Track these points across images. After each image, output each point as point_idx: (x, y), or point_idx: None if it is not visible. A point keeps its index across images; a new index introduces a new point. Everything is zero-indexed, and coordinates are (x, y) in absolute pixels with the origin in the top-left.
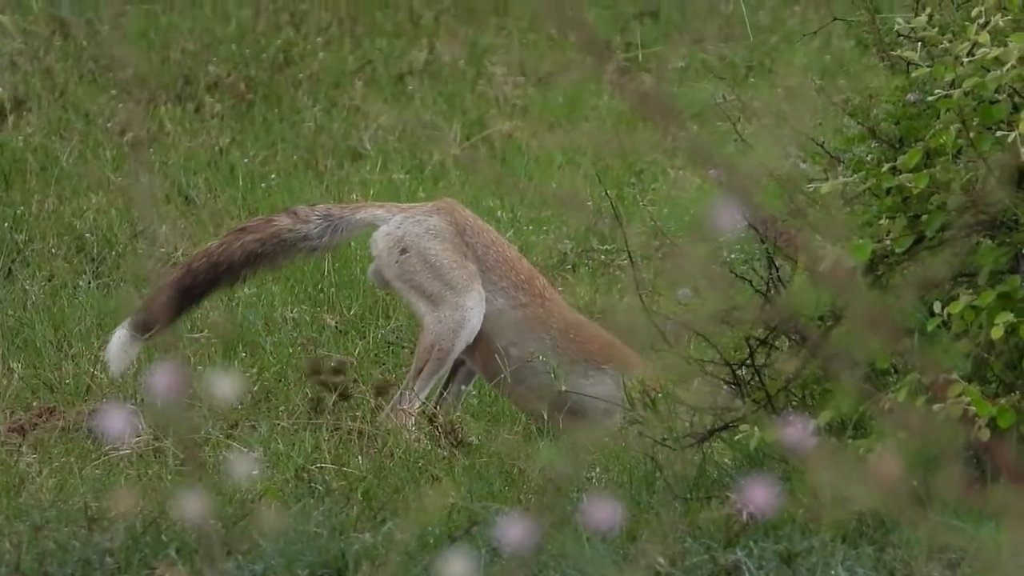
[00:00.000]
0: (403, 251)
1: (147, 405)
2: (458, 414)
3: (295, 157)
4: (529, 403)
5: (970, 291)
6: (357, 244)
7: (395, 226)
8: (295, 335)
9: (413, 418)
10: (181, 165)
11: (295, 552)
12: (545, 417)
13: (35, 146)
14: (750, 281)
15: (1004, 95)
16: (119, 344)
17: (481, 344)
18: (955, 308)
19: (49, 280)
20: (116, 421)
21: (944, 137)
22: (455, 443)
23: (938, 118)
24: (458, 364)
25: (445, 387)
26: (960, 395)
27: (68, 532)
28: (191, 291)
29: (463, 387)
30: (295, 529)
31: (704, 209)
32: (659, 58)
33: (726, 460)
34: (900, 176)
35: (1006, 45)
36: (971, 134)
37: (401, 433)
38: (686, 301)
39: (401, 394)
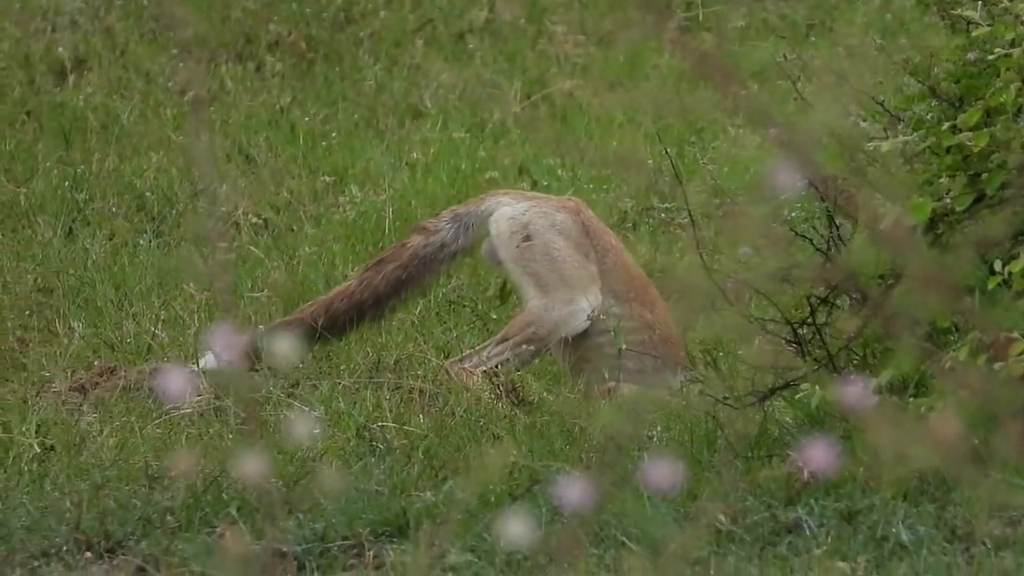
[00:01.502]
0: (526, 238)
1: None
2: (519, 373)
3: (355, 116)
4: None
5: None
6: (417, 203)
7: (521, 211)
8: None
9: (476, 377)
10: (241, 124)
11: (356, 511)
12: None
13: (96, 105)
14: (810, 240)
15: None
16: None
17: (583, 341)
18: (1016, 266)
19: (110, 239)
20: (177, 380)
21: (1004, 95)
22: (516, 402)
23: (998, 76)
24: None
25: None
26: (1020, 354)
27: (129, 491)
28: (330, 330)
29: None
30: (356, 488)
31: (764, 168)
32: (719, 17)
33: (787, 419)
34: (960, 135)
35: None
36: None
37: (461, 392)
38: (746, 260)
39: (473, 352)
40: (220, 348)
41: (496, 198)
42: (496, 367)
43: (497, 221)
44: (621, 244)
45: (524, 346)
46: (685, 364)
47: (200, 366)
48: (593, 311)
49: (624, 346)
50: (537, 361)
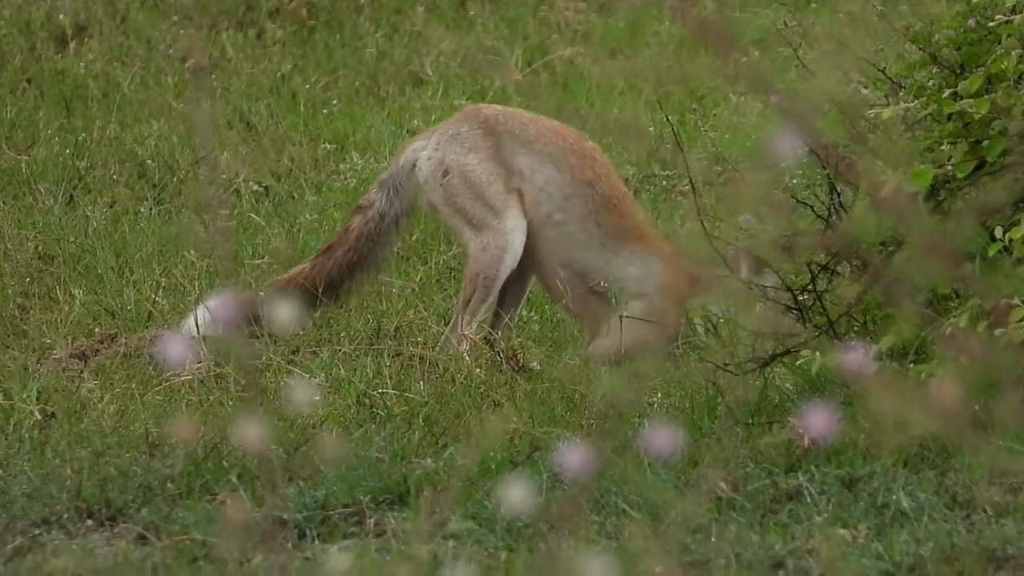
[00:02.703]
0: (445, 172)
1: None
2: (519, 339)
3: (356, 83)
4: (558, 277)
5: None
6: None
7: (433, 148)
8: None
9: (467, 344)
10: (243, 91)
11: (357, 478)
12: (568, 293)
13: (97, 72)
14: (811, 207)
15: None
16: (200, 320)
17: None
18: (1016, 233)
19: (111, 206)
20: (177, 347)
21: (1005, 62)
22: (516, 368)
23: (999, 43)
24: (506, 287)
25: (500, 312)
26: (1021, 320)
27: (129, 458)
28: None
29: (513, 310)
30: (356, 455)
31: (765, 135)
32: None
33: (787, 385)
34: (961, 101)
35: None
36: None
37: (460, 359)
38: (748, 227)
39: (455, 323)
40: (217, 312)
41: (409, 147)
42: (496, 333)
43: (420, 168)
44: (540, 117)
45: (486, 296)
46: (626, 237)
47: (192, 325)
48: (523, 230)
49: (626, 314)
50: (537, 326)
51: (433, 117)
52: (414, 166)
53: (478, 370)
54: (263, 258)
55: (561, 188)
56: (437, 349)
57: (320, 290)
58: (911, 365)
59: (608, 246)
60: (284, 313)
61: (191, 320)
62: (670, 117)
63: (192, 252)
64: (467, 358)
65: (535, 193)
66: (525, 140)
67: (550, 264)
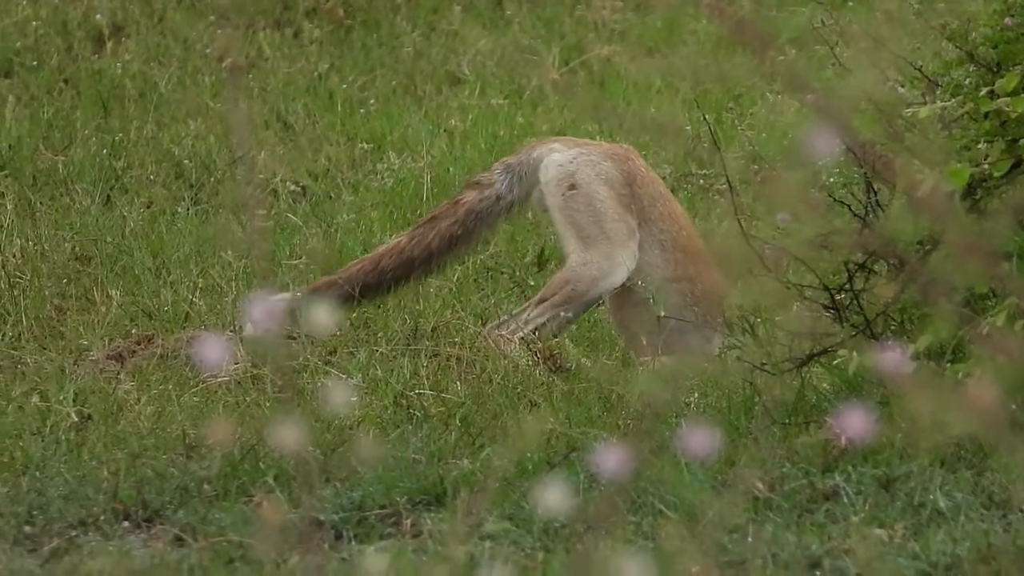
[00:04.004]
0: (572, 187)
1: (245, 333)
2: (557, 339)
3: (394, 82)
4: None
5: None
6: (455, 170)
7: (569, 159)
8: None
9: (514, 343)
10: (280, 91)
11: (393, 479)
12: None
13: (134, 72)
14: (848, 206)
15: None
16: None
17: (624, 293)
18: None
19: (148, 207)
20: (214, 348)
21: None
22: (554, 369)
23: None
24: None
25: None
26: None
27: (166, 460)
28: (375, 289)
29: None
30: (393, 456)
31: (802, 134)
32: None
33: (824, 385)
34: (998, 100)
35: None
36: None
37: (498, 358)
38: (784, 226)
39: (511, 317)
40: (258, 316)
41: (547, 145)
42: (535, 331)
43: (547, 167)
44: (671, 195)
45: (563, 306)
46: (725, 325)
47: (241, 334)
48: (630, 268)
49: (663, 313)
50: (574, 326)
51: (470, 117)
52: (543, 162)
53: (523, 365)
54: (300, 258)
55: (663, 273)
56: (483, 334)
57: (415, 263)
58: (948, 365)
59: (704, 333)
60: (322, 314)
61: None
62: (707, 116)
63: (229, 252)
64: (510, 357)
65: (644, 270)
66: (647, 216)
67: (635, 326)
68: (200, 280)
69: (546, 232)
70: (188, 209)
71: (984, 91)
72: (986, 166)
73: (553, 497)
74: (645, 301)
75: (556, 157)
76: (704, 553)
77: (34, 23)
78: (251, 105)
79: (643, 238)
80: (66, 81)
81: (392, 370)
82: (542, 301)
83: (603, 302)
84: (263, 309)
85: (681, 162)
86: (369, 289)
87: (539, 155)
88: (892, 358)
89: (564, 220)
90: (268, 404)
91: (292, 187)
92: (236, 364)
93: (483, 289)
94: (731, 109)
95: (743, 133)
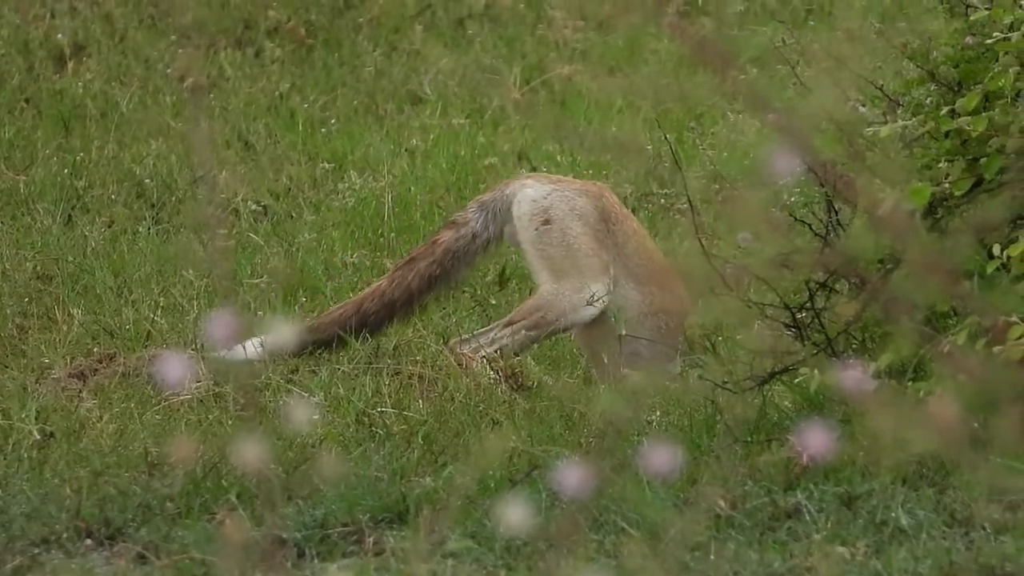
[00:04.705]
0: (545, 222)
1: (206, 351)
2: (518, 358)
3: (355, 102)
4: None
5: None
6: (416, 189)
7: (543, 195)
8: (355, 280)
9: (476, 361)
10: (241, 111)
11: (356, 497)
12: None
13: (95, 92)
14: (809, 225)
15: None
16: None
17: (597, 328)
18: (1014, 250)
19: (109, 226)
20: (176, 367)
21: (1003, 80)
22: (516, 387)
23: (997, 61)
24: None
25: None
26: (1019, 337)
27: (128, 478)
28: (360, 330)
29: None
30: (355, 473)
31: (763, 153)
32: (718, 1)
33: (786, 403)
34: (959, 119)
35: None
36: None
37: (460, 375)
38: (746, 245)
39: (474, 336)
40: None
41: (520, 181)
42: (498, 351)
43: (520, 203)
44: (644, 230)
45: (529, 331)
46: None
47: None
48: (602, 301)
49: (624, 332)
50: (536, 347)
51: (432, 136)
52: (516, 198)
53: (485, 383)
54: (262, 277)
55: (639, 308)
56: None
57: (396, 304)
58: (909, 383)
59: (673, 358)
60: (285, 332)
61: (246, 345)
62: (668, 135)
63: (190, 271)
64: (478, 367)
65: (618, 304)
66: (622, 251)
67: (601, 350)
68: (162, 299)
69: (507, 252)
70: (149, 228)
71: (945, 110)
72: (947, 185)
73: (515, 515)
74: (609, 320)
75: (529, 192)
76: (666, 571)
77: None
78: (212, 124)
79: (618, 273)
80: (27, 100)
81: (354, 388)
82: (510, 323)
83: (571, 334)
84: (225, 326)
85: (642, 181)
86: (354, 334)
87: (512, 191)
88: (853, 376)
89: (537, 254)
90: (230, 422)
91: (253, 206)
92: (198, 382)
93: (444, 308)
94: (692, 128)
95: (704, 152)
